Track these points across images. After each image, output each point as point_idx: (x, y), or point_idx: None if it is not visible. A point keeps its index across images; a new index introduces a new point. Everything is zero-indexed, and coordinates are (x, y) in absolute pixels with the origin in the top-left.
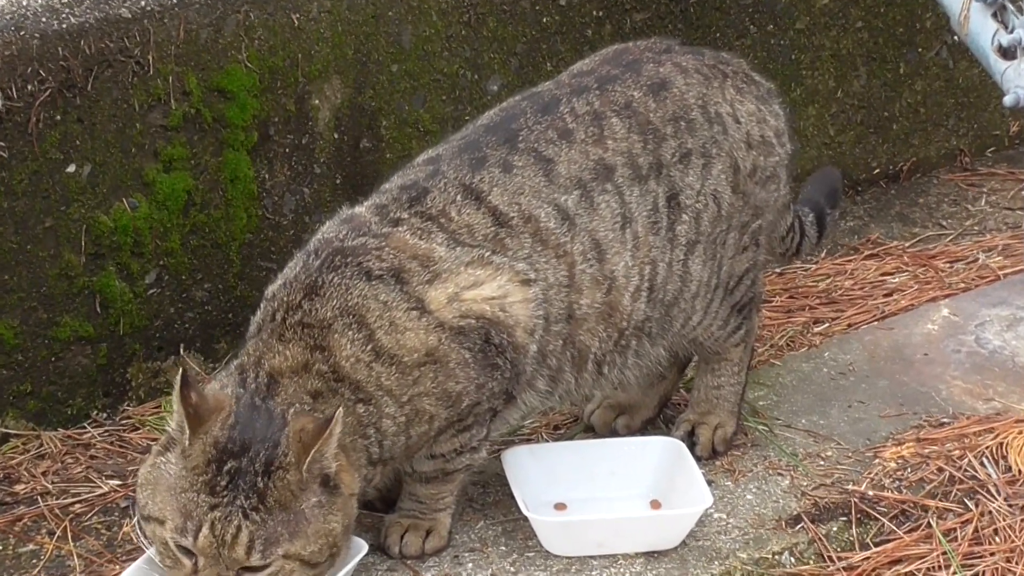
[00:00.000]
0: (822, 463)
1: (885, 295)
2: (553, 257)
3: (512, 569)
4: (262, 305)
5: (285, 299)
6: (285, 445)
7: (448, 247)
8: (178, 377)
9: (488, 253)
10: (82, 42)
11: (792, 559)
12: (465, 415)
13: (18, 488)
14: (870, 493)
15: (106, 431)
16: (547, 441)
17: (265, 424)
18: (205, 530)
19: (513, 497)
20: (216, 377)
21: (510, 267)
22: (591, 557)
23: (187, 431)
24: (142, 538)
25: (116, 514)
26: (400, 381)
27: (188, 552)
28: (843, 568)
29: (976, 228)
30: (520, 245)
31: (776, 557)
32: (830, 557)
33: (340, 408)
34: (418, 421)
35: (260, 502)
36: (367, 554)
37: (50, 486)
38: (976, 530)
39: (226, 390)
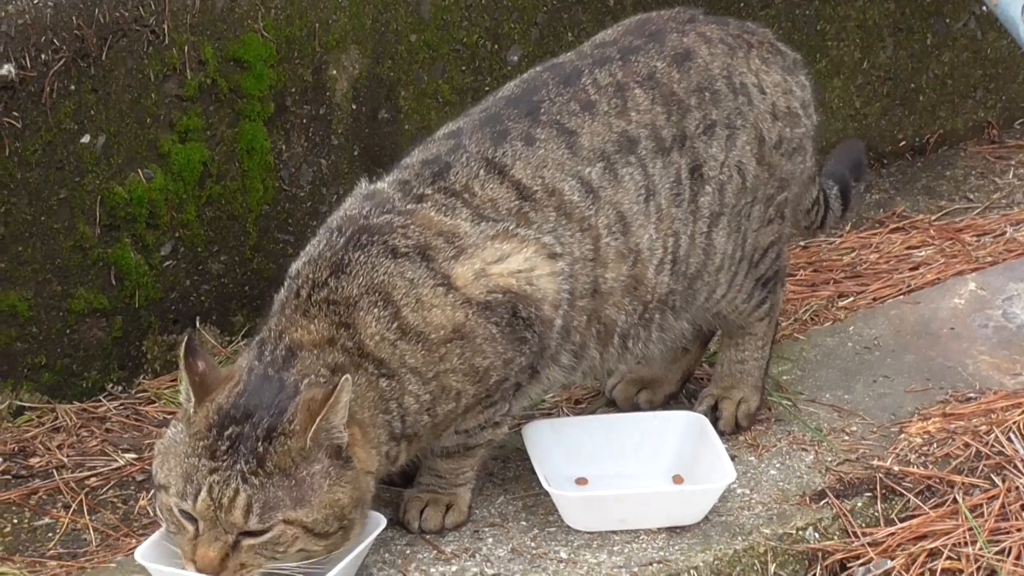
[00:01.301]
0: (847, 438)
1: (911, 269)
2: (578, 231)
3: (533, 544)
4: (286, 283)
5: (311, 276)
6: (292, 412)
7: (473, 222)
8: (183, 345)
9: (513, 226)
10: (96, 11)
11: (816, 535)
12: (492, 391)
13: (33, 461)
14: (895, 469)
15: (121, 404)
16: (568, 416)
17: (274, 392)
18: (203, 493)
19: (534, 472)
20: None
21: (536, 240)
22: (613, 532)
23: (192, 398)
24: (160, 512)
25: (132, 488)
26: (426, 358)
27: (191, 517)
28: (868, 544)
29: (1004, 201)
30: (544, 219)
31: (800, 533)
32: (855, 533)
33: (347, 376)
34: (445, 398)
35: (259, 466)
36: (385, 529)
37: (65, 459)
38: (1003, 506)
39: (241, 363)
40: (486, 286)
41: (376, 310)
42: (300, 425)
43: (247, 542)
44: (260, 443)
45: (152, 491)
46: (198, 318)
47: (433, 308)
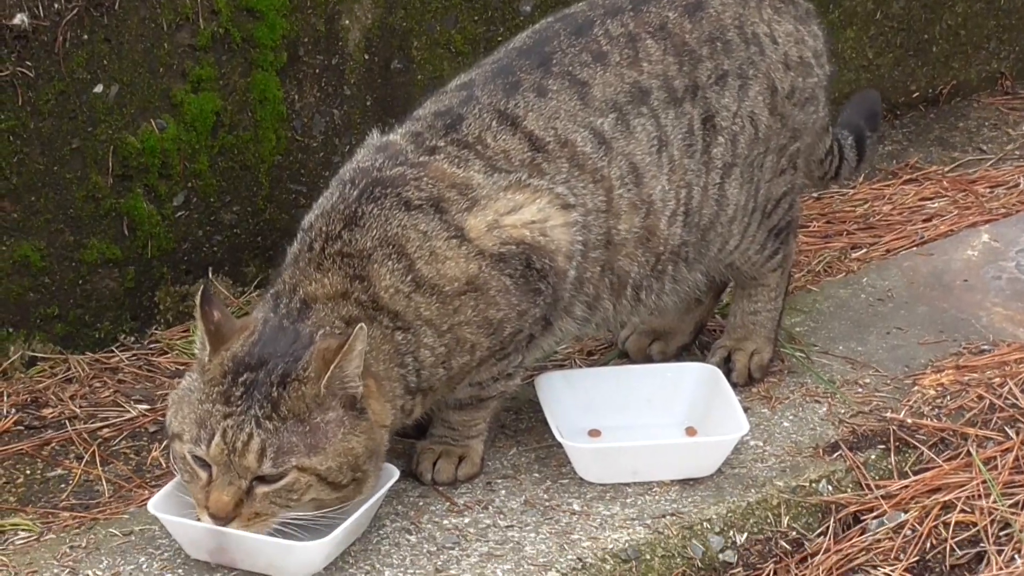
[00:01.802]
0: (860, 390)
1: (924, 220)
2: (591, 182)
3: (546, 496)
4: (299, 236)
5: (324, 229)
6: (307, 360)
7: (485, 174)
8: (199, 294)
9: (526, 176)
10: None
11: (830, 487)
12: (507, 343)
13: (46, 412)
14: (909, 421)
15: (134, 355)
16: (581, 367)
17: (290, 342)
18: (217, 438)
19: (547, 423)
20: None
21: (549, 190)
22: (625, 484)
23: (207, 347)
24: (174, 461)
25: (144, 439)
26: (440, 311)
27: (204, 464)
28: (881, 496)
29: (1017, 152)
30: (557, 170)
31: (813, 485)
32: (868, 485)
33: (362, 325)
34: (460, 351)
35: (273, 411)
36: (398, 480)
37: (78, 410)
38: (1016, 458)
39: (256, 315)
40: (499, 237)
41: (390, 263)
42: (315, 372)
43: (261, 489)
44: (274, 388)
45: (165, 442)
46: (210, 268)
47: (447, 260)
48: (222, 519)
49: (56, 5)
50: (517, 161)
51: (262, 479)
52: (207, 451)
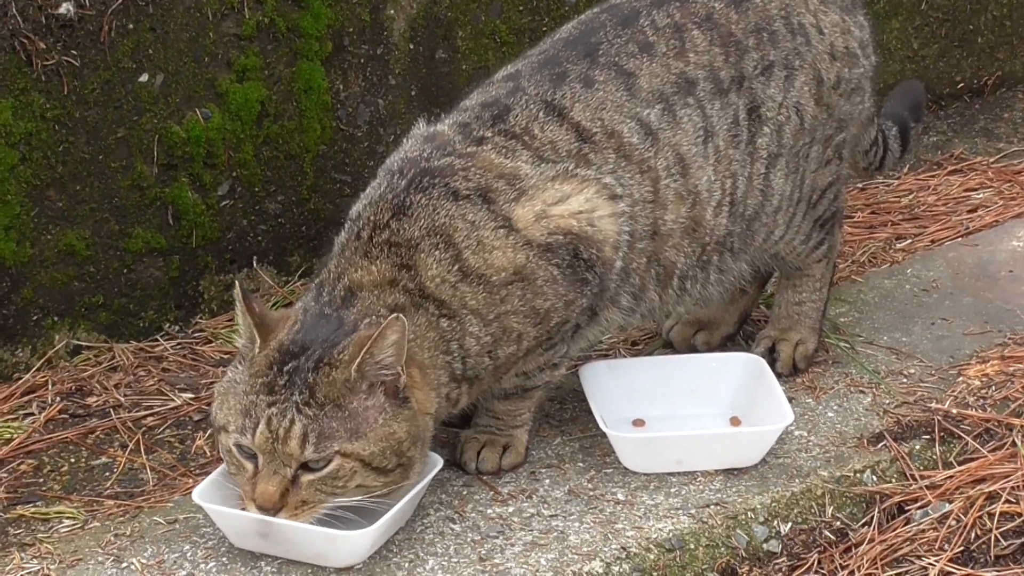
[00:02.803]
0: (905, 381)
1: (969, 211)
2: (637, 172)
3: (590, 486)
4: (346, 225)
5: (372, 218)
6: (344, 345)
7: (533, 164)
8: (237, 291)
9: (573, 166)
10: None
11: (874, 477)
12: (554, 333)
13: (90, 400)
14: (954, 411)
15: (178, 344)
16: (625, 357)
17: (332, 329)
18: (262, 426)
19: (591, 413)
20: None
21: (596, 180)
22: (670, 474)
23: (257, 340)
24: (222, 454)
25: (189, 427)
26: (487, 300)
27: (250, 455)
28: (926, 487)
29: None
30: (604, 160)
31: (858, 475)
32: (912, 476)
33: (398, 315)
34: (506, 340)
35: (311, 397)
36: (442, 470)
37: (122, 399)
38: None
39: (298, 305)
40: (547, 227)
41: (437, 252)
42: (348, 356)
43: (306, 477)
44: (310, 374)
45: (209, 431)
46: (255, 258)
47: (494, 250)
48: (269, 510)
49: None
50: (564, 152)
51: (307, 467)
52: (252, 440)
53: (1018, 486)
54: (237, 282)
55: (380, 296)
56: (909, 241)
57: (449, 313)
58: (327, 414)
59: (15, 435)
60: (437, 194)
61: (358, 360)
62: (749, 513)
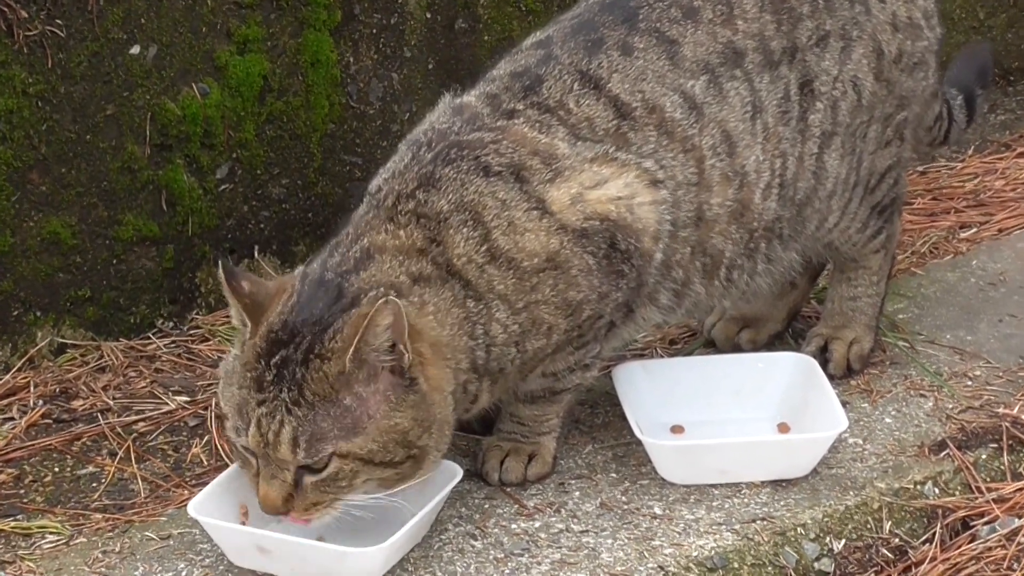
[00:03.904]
0: (969, 383)
1: None
2: (680, 152)
3: (623, 499)
4: (365, 200)
5: (396, 188)
6: (336, 329)
7: (569, 143)
8: (220, 272)
9: (613, 149)
10: None
11: (936, 490)
12: (585, 329)
13: (76, 404)
14: (1023, 417)
15: (172, 342)
16: (663, 357)
17: (329, 302)
18: (252, 428)
19: (625, 419)
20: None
21: (637, 164)
22: (711, 486)
23: (248, 323)
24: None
25: (184, 434)
26: (517, 287)
27: (253, 452)
28: (993, 500)
29: None
30: (644, 139)
31: (918, 487)
32: (978, 488)
33: (390, 299)
34: (535, 333)
35: (300, 395)
36: (462, 480)
37: (111, 402)
38: None
39: (299, 269)
40: (583, 212)
41: (465, 230)
42: (341, 345)
43: (308, 479)
44: (299, 368)
45: (206, 437)
46: (256, 247)
47: (526, 232)
48: (275, 514)
49: None
50: (601, 130)
51: (308, 468)
52: (247, 441)
53: None
54: (220, 261)
55: (404, 263)
56: (974, 230)
57: (475, 295)
58: (319, 413)
59: None
60: (467, 167)
61: (351, 349)
62: (799, 529)
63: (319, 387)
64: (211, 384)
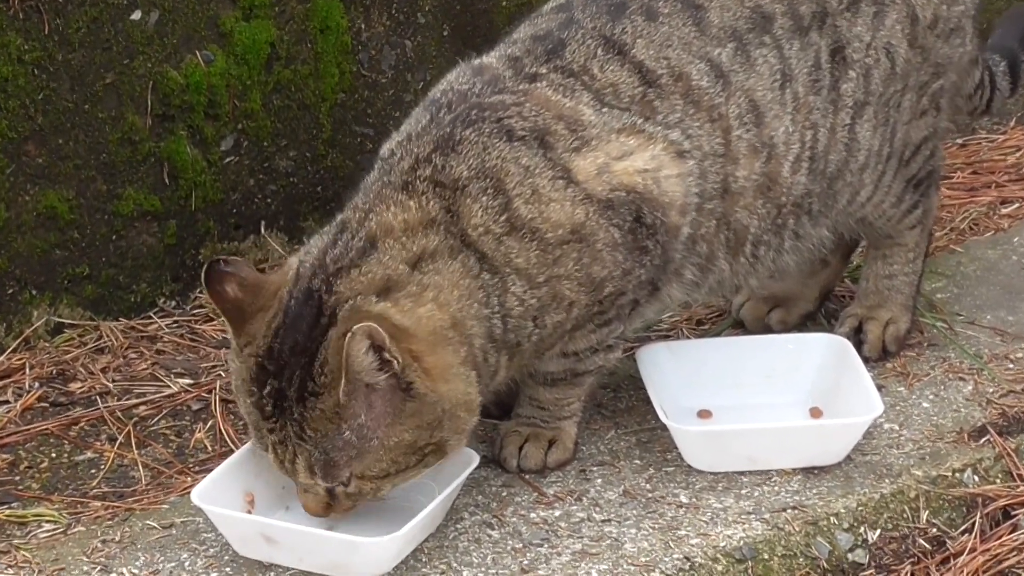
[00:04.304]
0: (1011, 366)
1: None
2: (707, 121)
3: (648, 486)
4: (376, 165)
5: (413, 150)
6: (321, 362)
7: (595, 109)
8: (204, 273)
9: (640, 120)
10: None
11: (976, 478)
12: (607, 306)
13: (73, 387)
14: None
15: (175, 322)
16: (689, 338)
17: (310, 325)
18: (271, 453)
19: (649, 403)
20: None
21: (664, 136)
22: (740, 473)
23: (230, 331)
24: None
25: (187, 418)
26: (540, 259)
27: None
28: None
29: None
30: (670, 108)
31: (957, 475)
32: (1020, 475)
33: (353, 333)
34: (555, 307)
35: (303, 431)
36: (479, 467)
37: (110, 385)
38: None
39: (304, 258)
40: (609, 183)
41: (485, 198)
42: (330, 376)
43: (340, 489)
44: (295, 407)
45: (210, 422)
46: (263, 223)
47: (551, 203)
48: (319, 517)
49: None
50: (627, 97)
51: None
52: (271, 462)
53: None
54: (208, 263)
55: (408, 243)
56: (1016, 205)
57: (491, 268)
58: (326, 444)
59: None
60: (489, 130)
61: (341, 383)
62: (832, 518)
63: (319, 424)
64: (215, 366)
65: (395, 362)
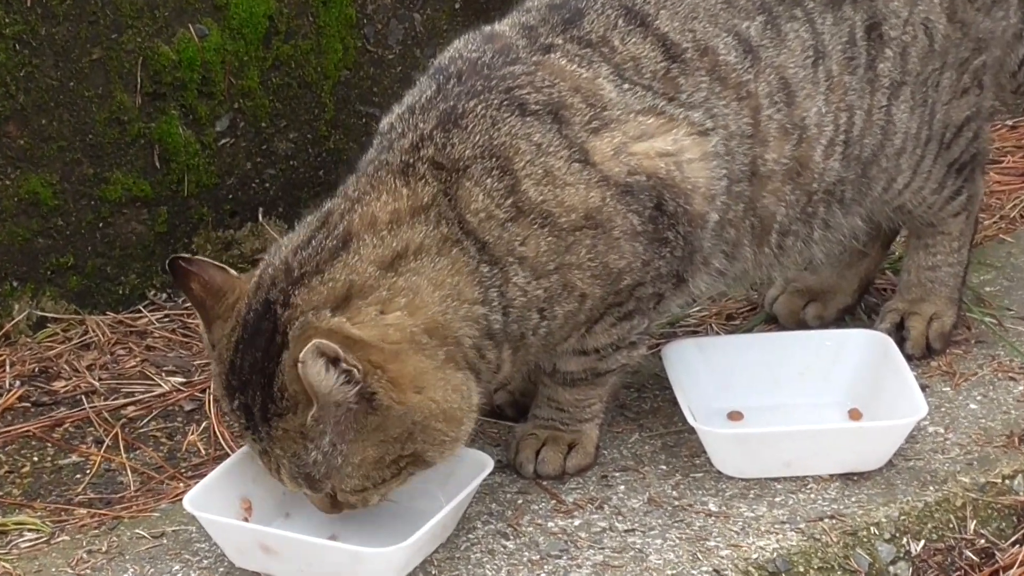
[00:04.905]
0: None
1: None
2: (734, 99)
3: (675, 494)
4: (375, 141)
5: (417, 125)
6: (280, 385)
7: (615, 85)
8: (168, 264)
9: (663, 103)
10: None
11: None
12: (625, 298)
13: (58, 386)
14: None
15: (166, 316)
16: (718, 334)
17: (266, 341)
18: (259, 460)
19: (676, 404)
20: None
21: (686, 118)
22: (773, 480)
23: (203, 326)
24: None
25: (179, 419)
26: (550, 247)
27: None
28: None
29: None
30: (695, 85)
31: (1006, 482)
32: None
33: (318, 343)
34: (566, 298)
35: (275, 448)
36: (493, 473)
37: (97, 383)
38: None
39: (271, 260)
40: (628, 165)
41: (489, 180)
42: (291, 401)
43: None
44: (262, 426)
45: (204, 423)
46: (260, 209)
47: (566, 186)
48: (328, 514)
49: None
50: (648, 72)
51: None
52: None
53: None
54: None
55: (386, 239)
56: None
57: (490, 259)
58: (302, 459)
59: None
60: (498, 103)
61: (312, 410)
62: (872, 529)
63: (285, 444)
64: (209, 364)
65: (355, 370)
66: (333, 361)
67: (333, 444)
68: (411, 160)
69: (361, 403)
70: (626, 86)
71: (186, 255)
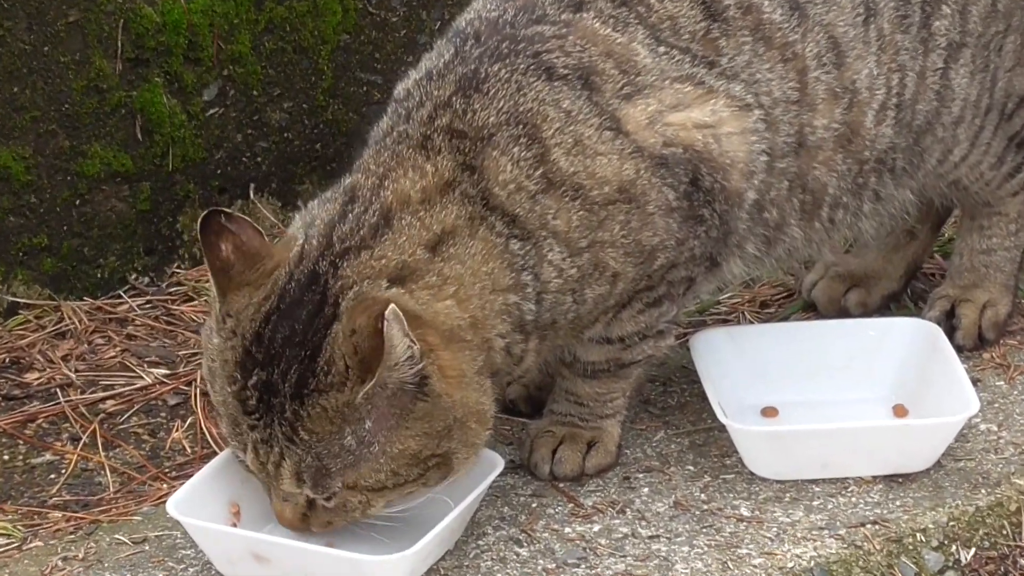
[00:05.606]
0: None
1: None
2: (779, 62)
3: (703, 497)
4: (390, 108)
5: (433, 92)
6: (327, 358)
7: (650, 49)
8: (199, 221)
9: (702, 71)
10: None
11: None
12: (656, 281)
13: (30, 377)
14: None
15: (148, 302)
16: (752, 323)
17: (312, 312)
18: (250, 453)
19: (705, 399)
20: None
21: (725, 90)
22: (811, 482)
23: (215, 295)
24: None
25: (163, 414)
26: (582, 221)
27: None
28: None
29: None
30: (737, 47)
31: None
32: None
33: (392, 306)
34: (598, 278)
35: (295, 433)
36: (504, 473)
37: (73, 375)
38: None
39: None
40: (663, 135)
41: (516, 149)
42: (338, 377)
43: (320, 503)
44: (290, 404)
45: (189, 419)
46: (252, 186)
47: (597, 156)
48: (293, 530)
49: None
50: (687, 33)
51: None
52: (246, 461)
53: None
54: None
55: (426, 219)
56: None
57: (523, 233)
58: (321, 449)
59: None
60: (524, 66)
61: (370, 385)
62: (918, 535)
63: (318, 425)
64: (195, 354)
65: (414, 349)
66: (408, 338)
67: (372, 429)
68: (428, 132)
69: (406, 388)
70: (662, 49)
71: (226, 209)
